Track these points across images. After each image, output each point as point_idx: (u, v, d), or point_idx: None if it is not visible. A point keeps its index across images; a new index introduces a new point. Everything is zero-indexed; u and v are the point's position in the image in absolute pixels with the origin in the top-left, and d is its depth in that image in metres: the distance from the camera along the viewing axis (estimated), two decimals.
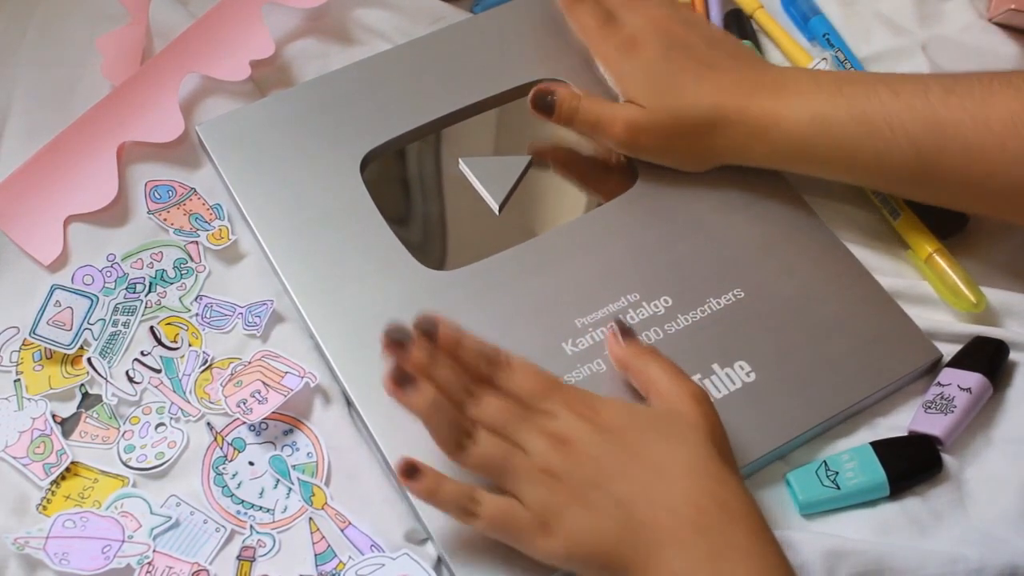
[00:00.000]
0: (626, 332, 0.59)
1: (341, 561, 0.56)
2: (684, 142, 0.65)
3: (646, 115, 0.65)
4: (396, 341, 0.55)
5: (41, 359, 0.63)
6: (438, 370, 0.55)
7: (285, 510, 0.58)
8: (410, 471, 0.53)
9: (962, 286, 0.64)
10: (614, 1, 0.69)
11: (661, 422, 0.55)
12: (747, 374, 0.60)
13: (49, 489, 0.59)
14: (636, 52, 0.66)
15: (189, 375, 0.62)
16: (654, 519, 0.51)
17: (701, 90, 0.64)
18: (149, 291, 0.65)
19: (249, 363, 0.62)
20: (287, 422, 0.61)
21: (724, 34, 0.71)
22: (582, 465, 0.53)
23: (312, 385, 0.61)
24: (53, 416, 0.61)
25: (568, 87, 0.67)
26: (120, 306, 0.65)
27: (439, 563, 0.56)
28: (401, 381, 0.54)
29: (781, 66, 0.72)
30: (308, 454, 0.60)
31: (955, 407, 0.60)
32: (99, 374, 0.62)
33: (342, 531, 0.57)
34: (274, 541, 0.57)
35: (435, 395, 0.54)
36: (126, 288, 0.65)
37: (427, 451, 0.58)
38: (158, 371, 0.62)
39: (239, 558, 0.57)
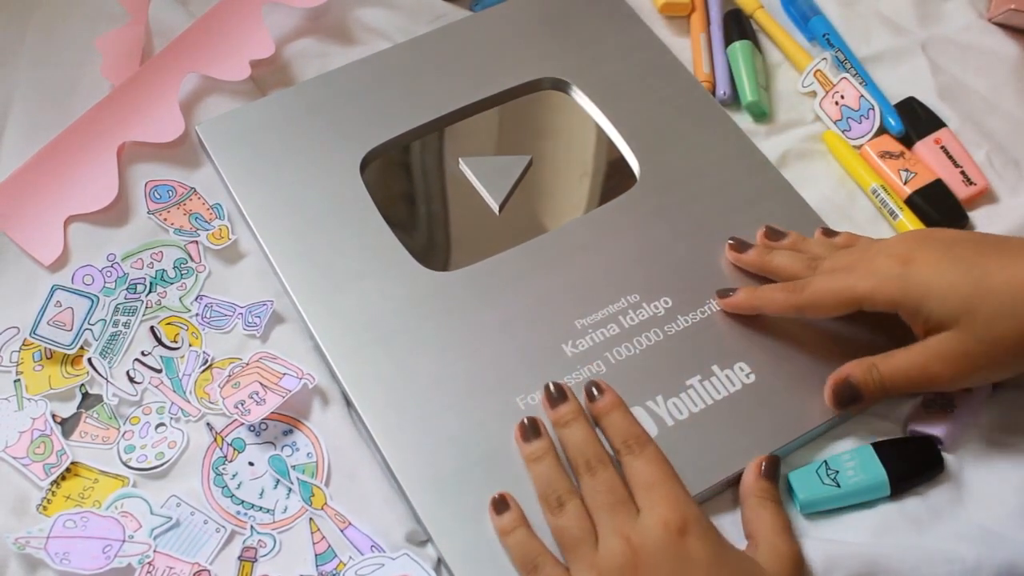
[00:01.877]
0: (771, 467, 0.57)
1: (341, 561, 0.56)
2: (1019, 353, 0.55)
3: (960, 341, 0.55)
4: (554, 396, 0.58)
5: (41, 359, 0.63)
6: (575, 428, 0.56)
7: (285, 510, 0.58)
8: (500, 505, 0.56)
9: None
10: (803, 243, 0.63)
11: (744, 571, 0.53)
12: (747, 375, 0.60)
13: (49, 489, 0.59)
14: (910, 265, 0.56)
15: (189, 375, 0.62)
16: None
17: (1016, 269, 0.54)
18: (149, 291, 0.65)
19: (247, 364, 0.62)
20: (287, 422, 0.61)
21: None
22: None
23: (310, 386, 0.61)
24: (53, 416, 0.61)
25: (853, 363, 0.58)
26: (120, 306, 0.65)
27: (439, 564, 0.56)
28: (528, 431, 0.57)
29: None
30: (308, 454, 0.60)
31: (955, 406, 0.60)
32: (99, 374, 0.62)
33: (342, 531, 0.57)
34: (275, 541, 0.57)
35: (549, 451, 0.57)
36: (126, 288, 0.65)
37: (427, 453, 0.58)
38: (158, 371, 0.62)
39: (240, 558, 0.57)
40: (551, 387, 0.58)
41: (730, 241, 0.64)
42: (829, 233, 0.64)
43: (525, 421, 0.57)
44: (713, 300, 0.63)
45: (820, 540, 0.56)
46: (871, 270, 0.57)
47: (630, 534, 0.53)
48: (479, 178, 0.69)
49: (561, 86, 0.72)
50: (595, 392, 0.58)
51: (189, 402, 0.61)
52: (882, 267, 0.57)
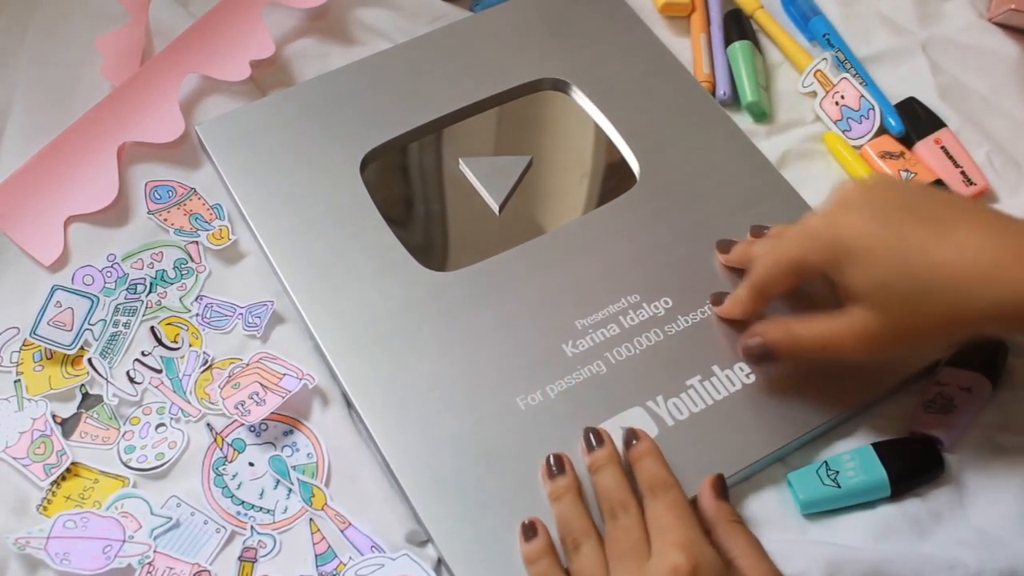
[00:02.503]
0: (722, 486, 0.57)
1: (341, 562, 0.56)
2: (931, 332, 0.54)
3: (873, 319, 0.54)
4: (591, 442, 0.58)
5: (41, 359, 0.63)
6: (606, 473, 0.56)
7: (285, 511, 0.58)
8: (528, 532, 0.56)
9: None
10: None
11: None
12: (747, 376, 0.60)
13: (49, 489, 0.59)
14: (839, 228, 0.56)
15: (189, 375, 0.62)
16: None
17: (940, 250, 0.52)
18: (149, 291, 0.65)
19: (247, 365, 0.62)
20: (287, 423, 0.61)
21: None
22: None
23: (310, 386, 0.61)
24: (53, 416, 0.61)
25: (770, 319, 0.60)
26: (120, 306, 0.65)
27: (439, 564, 0.56)
28: (553, 468, 0.57)
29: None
30: (308, 455, 0.60)
31: (955, 407, 0.60)
32: (100, 374, 0.62)
33: (342, 532, 0.57)
34: (275, 542, 0.57)
35: (570, 488, 0.56)
36: (126, 288, 0.65)
37: (427, 453, 0.58)
38: (159, 371, 0.62)
39: (240, 559, 0.57)
40: (589, 434, 0.58)
41: (718, 243, 0.65)
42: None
43: (551, 458, 0.57)
44: None
45: (821, 544, 0.56)
46: (802, 230, 0.57)
47: None
48: (479, 178, 0.69)
49: (561, 86, 0.72)
50: (632, 440, 0.58)
51: (189, 402, 0.61)
52: (811, 224, 0.57)
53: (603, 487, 0.56)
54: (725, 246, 0.64)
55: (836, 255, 0.55)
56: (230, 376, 0.61)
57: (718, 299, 0.62)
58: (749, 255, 0.62)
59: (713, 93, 0.74)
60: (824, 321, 0.57)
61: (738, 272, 0.63)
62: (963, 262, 0.51)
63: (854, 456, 0.58)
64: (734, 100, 0.74)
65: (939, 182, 0.69)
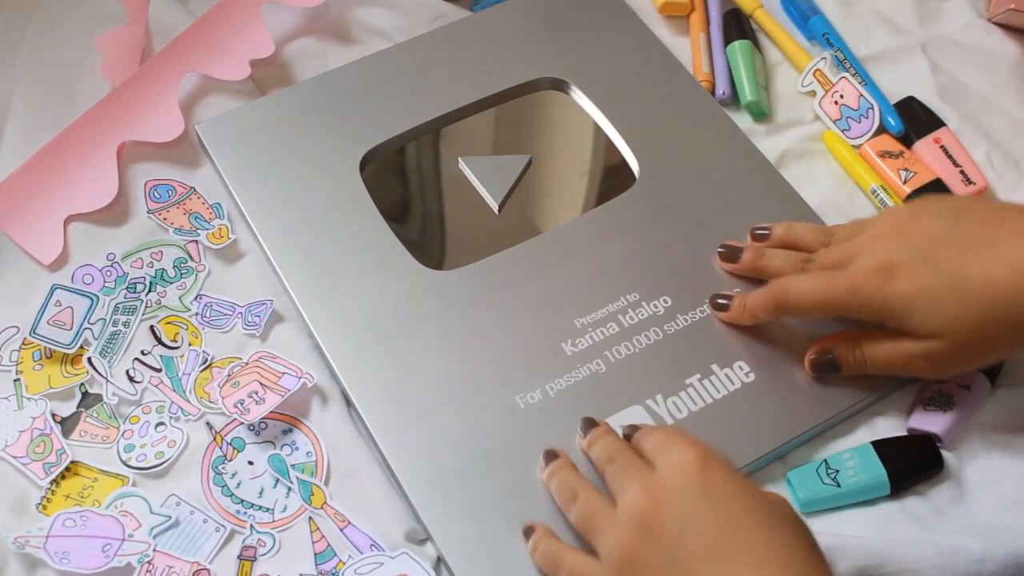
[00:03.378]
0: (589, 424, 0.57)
1: (341, 560, 0.56)
2: (1004, 344, 0.56)
3: (948, 345, 0.56)
4: (584, 425, 0.58)
5: (41, 358, 0.63)
6: (604, 440, 0.56)
7: (285, 509, 0.58)
8: (527, 532, 0.55)
9: None
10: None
11: (772, 502, 0.51)
12: (746, 375, 0.60)
13: (49, 488, 0.59)
14: (892, 279, 0.56)
15: (189, 374, 0.62)
16: None
17: (993, 271, 0.54)
18: (149, 290, 0.65)
19: (246, 364, 0.62)
20: (286, 421, 0.61)
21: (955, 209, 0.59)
22: (664, 538, 0.49)
23: (309, 385, 0.61)
24: (53, 415, 0.61)
25: (838, 334, 0.60)
26: (120, 305, 0.65)
27: (438, 562, 0.56)
28: (547, 458, 0.57)
29: None
30: (307, 453, 0.60)
31: (954, 404, 0.60)
32: (99, 373, 0.62)
33: (342, 530, 0.57)
34: (274, 540, 0.57)
35: (564, 464, 0.56)
36: (126, 287, 0.65)
37: (427, 451, 0.58)
38: (158, 370, 0.63)
39: (240, 557, 0.57)
40: (584, 422, 0.58)
41: (720, 250, 0.64)
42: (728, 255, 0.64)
43: (543, 453, 0.57)
44: None
45: (821, 535, 0.56)
46: (853, 281, 0.57)
47: (648, 481, 0.51)
48: (478, 177, 0.69)
49: (560, 86, 0.72)
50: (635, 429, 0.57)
51: (189, 401, 0.62)
52: (863, 279, 0.57)
53: (599, 450, 0.55)
54: (730, 254, 0.64)
55: (895, 309, 0.56)
56: (229, 375, 0.61)
57: (720, 305, 0.62)
58: (765, 270, 0.62)
59: (712, 92, 0.74)
60: (895, 343, 0.57)
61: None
62: (1017, 276, 0.53)
63: (854, 455, 0.58)
64: (733, 99, 0.74)
65: (938, 181, 0.69)
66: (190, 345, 0.63)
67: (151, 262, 0.66)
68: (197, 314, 0.65)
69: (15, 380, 0.62)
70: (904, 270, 0.56)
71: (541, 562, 0.54)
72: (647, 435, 0.54)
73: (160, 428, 0.61)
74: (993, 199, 0.69)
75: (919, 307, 0.55)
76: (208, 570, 0.56)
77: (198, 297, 0.65)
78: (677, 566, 0.48)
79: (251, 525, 0.58)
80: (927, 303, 0.55)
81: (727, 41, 0.76)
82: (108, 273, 0.66)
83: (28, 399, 0.61)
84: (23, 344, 0.63)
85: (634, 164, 0.69)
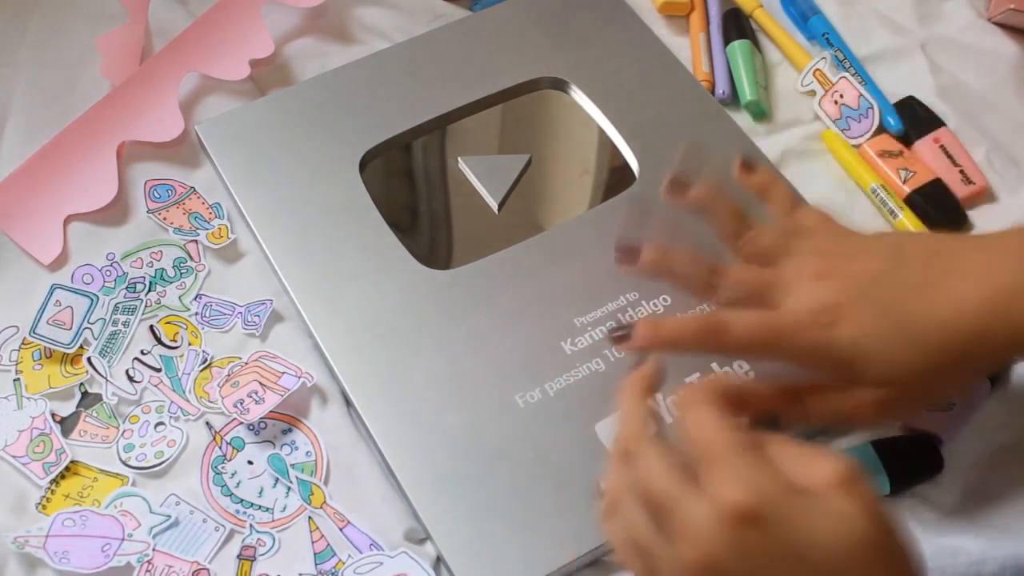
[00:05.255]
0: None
1: (340, 560, 0.56)
2: (952, 384, 0.54)
3: (892, 391, 0.53)
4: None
5: (41, 358, 0.63)
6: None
7: (284, 509, 0.58)
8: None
9: None
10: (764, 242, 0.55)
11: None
12: (745, 373, 0.60)
13: (48, 488, 0.59)
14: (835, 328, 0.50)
15: (189, 374, 0.62)
16: None
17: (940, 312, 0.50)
18: (149, 290, 0.65)
19: (246, 364, 0.62)
20: (286, 421, 0.61)
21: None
22: None
23: (309, 385, 0.61)
24: (52, 415, 0.61)
25: (781, 391, 0.53)
26: (120, 305, 0.65)
27: (438, 562, 0.56)
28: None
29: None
30: (307, 453, 0.60)
31: (954, 404, 0.60)
32: (99, 373, 0.62)
33: (341, 530, 0.57)
34: (274, 540, 0.57)
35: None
36: (126, 287, 0.65)
37: (426, 451, 0.58)
38: (158, 370, 0.63)
39: (239, 557, 0.57)
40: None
41: (616, 253, 0.56)
42: (748, 167, 0.58)
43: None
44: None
45: None
46: (794, 326, 0.51)
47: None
48: (478, 177, 0.69)
49: (560, 85, 0.72)
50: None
51: (188, 401, 0.61)
52: (806, 327, 0.50)
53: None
54: (626, 255, 0.56)
55: (838, 359, 0.50)
56: (229, 375, 0.61)
57: (620, 337, 0.52)
58: (668, 274, 0.56)
59: (712, 92, 0.74)
60: (838, 395, 0.53)
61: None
62: (963, 315, 0.50)
63: (854, 454, 0.58)
64: (733, 99, 0.74)
65: (938, 181, 0.69)
66: (190, 345, 0.63)
67: (151, 262, 0.66)
68: (197, 314, 0.65)
69: (15, 380, 0.62)
70: (850, 314, 0.50)
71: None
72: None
73: (160, 428, 0.61)
74: (993, 199, 0.69)
75: (869, 354, 0.50)
76: (208, 570, 0.56)
77: (198, 297, 0.65)
78: None
79: (250, 525, 0.58)
80: (877, 350, 0.50)
81: (727, 41, 0.76)
82: (108, 273, 0.66)
83: (28, 399, 0.61)
84: (23, 344, 0.63)
85: (634, 164, 0.69)
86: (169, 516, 0.57)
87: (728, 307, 0.54)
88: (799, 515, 0.41)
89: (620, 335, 0.52)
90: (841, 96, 0.72)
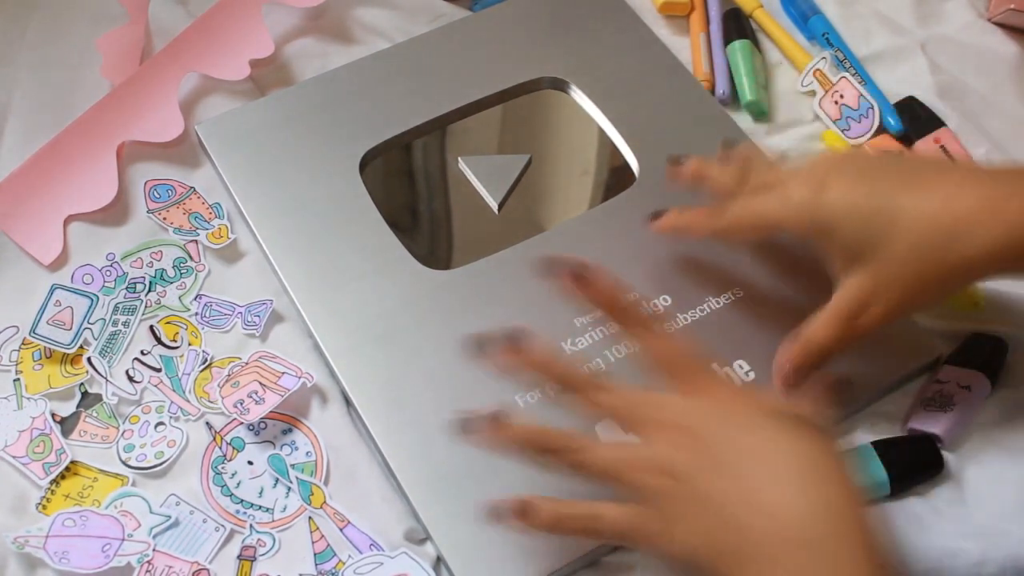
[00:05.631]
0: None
1: (340, 560, 0.56)
2: (932, 286, 0.55)
3: (870, 274, 0.54)
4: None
5: (41, 358, 0.63)
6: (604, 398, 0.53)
7: (284, 509, 0.58)
8: (523, 511, 0.50)
9: None
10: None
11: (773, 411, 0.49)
12: (746, 373, 0.60)
13: (48, 488, 0.59)
14: (823, 192, 0.55)
15: (189, 374, 0.62)
16: (751, 525, 0.45)
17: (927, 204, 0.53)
18: (149, 290, 0.65)
19: (246, 364, 0.62)
20: (286, 421, 0.61)
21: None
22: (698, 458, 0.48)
23: (309, 385, 0.61)
24: (52, 415, 0.61)
25: (791, 348, 0.57)
26: (120, 305, 0.65)
27: (438, 562, 0.56)
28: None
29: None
30: (307, 453, 0.60)
31: (954, 404, 0.60)
32: (99, 373, 0.62)
33: (341, 530, 0.57)
34: (274, 540, 0.57)
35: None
36: (126, 287, 0.65)
37: (426, 451, 0.58)
38: (158, 370, 0.63)
39: (240, 557, 0.57)
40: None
41: (669, 158, 0.63)
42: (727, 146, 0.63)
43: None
44: (712, 298, 0.63)
45: None
46: (785, 195, 0.56)
47: (669, 421, 0.51)
48: (478, 177, 0.69)
49: (560, 85, 0.72)
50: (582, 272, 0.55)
51: (188, 401, 0.61)
52: (795, 193, 0.56)
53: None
54: (677, 160, 0.62)
55: (824, 221, 0.55)
56: (229, 375, 0.61)
57: (656, 215, 0.62)
58: (715, 183, 0.61)
59: (712, 92, 0.74)
60: (829, 315, 0.56)
61: (740, 272, 0.63)
62: (952, 210, 0.52)
63: (854, 454, 0.58)
64: (733, 99, 0.74)
65: None
66: (190, 345, 0.63)
67: (151, 262, 0.66)
68: (197, 314, 0.65)
69: (15, 380, 0.62)
70: (839, 183, 0.54)
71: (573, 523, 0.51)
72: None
73: (160, 428, 0.61)
74: None
75: (848, 222, 0.53)
76: (208, 570, 0.56)
77: (198, 297, 0.65)
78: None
79: (251, 525, 0.58)
80: (858, 219, 0.53)
81: (727, 41, 0.76)
82: (108, 273, 0.66)
83: (28, 399, 0.61)
84: (23, 344, 0.63)
85: (634, 164, 0.69)
86: (169, 516, 0.57)
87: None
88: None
89: (656, 215, 0.63)
90: (841, 96, 0.72)
